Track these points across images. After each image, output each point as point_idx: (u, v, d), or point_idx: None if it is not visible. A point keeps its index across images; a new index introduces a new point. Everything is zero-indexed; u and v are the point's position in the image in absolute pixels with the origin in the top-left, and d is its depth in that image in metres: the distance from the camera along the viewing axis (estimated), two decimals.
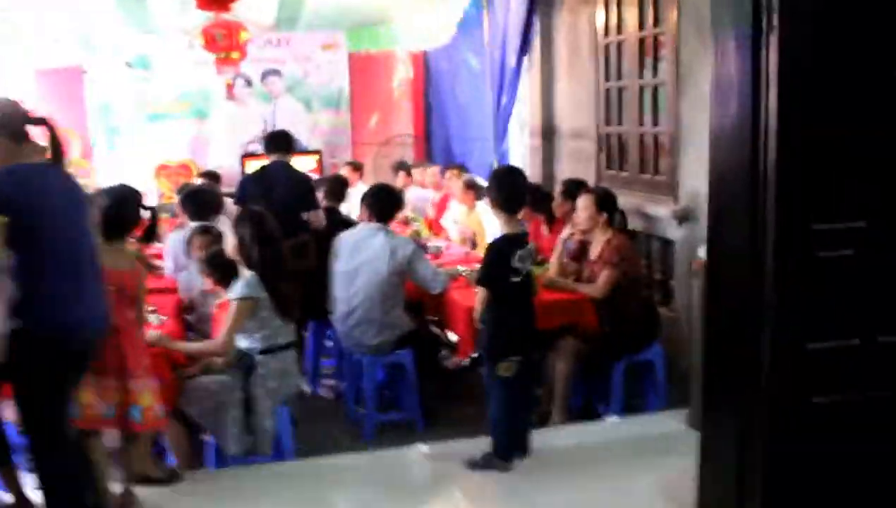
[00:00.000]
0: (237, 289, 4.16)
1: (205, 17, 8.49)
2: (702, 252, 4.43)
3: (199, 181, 8.73)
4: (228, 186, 9.90)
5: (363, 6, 10.22)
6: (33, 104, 10.61)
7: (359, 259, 5.23)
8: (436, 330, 5.99)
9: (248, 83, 11.36)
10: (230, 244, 4.36)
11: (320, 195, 6.56)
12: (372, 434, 5.15)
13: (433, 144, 11.47)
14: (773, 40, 2.34)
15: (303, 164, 10.42)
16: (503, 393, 4.03)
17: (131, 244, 4.20)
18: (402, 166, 10.16)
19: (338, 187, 6.60)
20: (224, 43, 8.40)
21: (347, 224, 5.89)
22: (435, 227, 8.30)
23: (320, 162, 11.07)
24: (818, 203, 2.40)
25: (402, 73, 11.79)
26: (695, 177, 5.55)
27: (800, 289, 2.43)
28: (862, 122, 2.40)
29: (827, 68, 2.36)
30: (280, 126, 10.68)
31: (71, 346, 3.33)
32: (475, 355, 4.68)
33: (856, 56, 2.37)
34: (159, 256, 6.50)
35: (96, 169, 11.00)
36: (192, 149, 11.28)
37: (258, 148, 11.06)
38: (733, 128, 2.54)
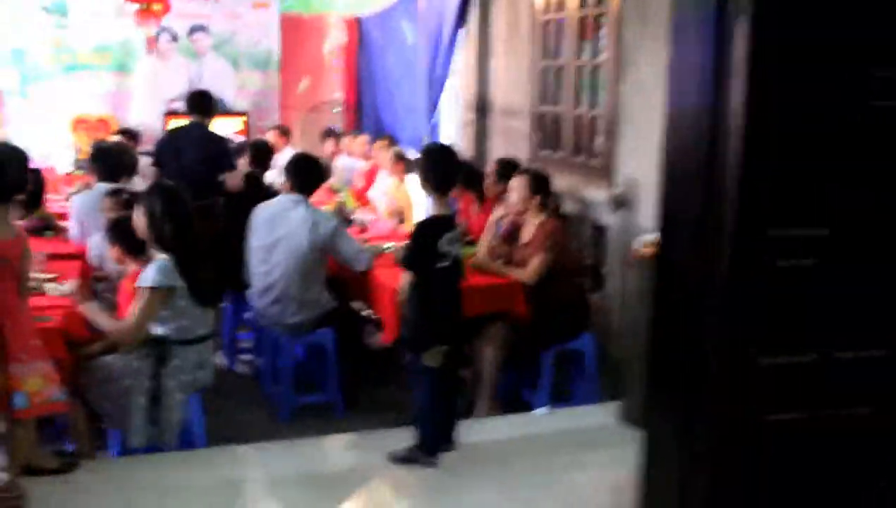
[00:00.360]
0: (149, 276, 3.81)
1: None
2: (639, 242, 4.32)
3: (115, 138, 8.31)
4: (149, 145, 9.55)
5: None
6: None
7: (277, 233, 4.98)
8: (360, 307, 5.75)
9: (174, 38, 10.87)
10: (139, 220, 4.00)
11: (244, 160, 6.23)
12: (289, 416, 4.93)
13: (364, 113, 11.16)
14: (742, 25, 2.15)
15: (228, 126, 10.12)
16: (429, 384, 3.82)
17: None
18: (331, 133, 9.88)
19: (262, 153, 6.28)
20: None
21: (269, 193, 5.59)
22: (362, 199, 8.04)
23: (247, 123, 10.70)
24: (780, 207, 2.24)
25: (335, 39, 11.44)
26: (632, 162, 5.42)
27: (753, 298, 2.27)
28: (835, 121, 2.24)
29: (801, 58, 2.18)
30: (206, 84, 10.31)
31: None
32: (399, 340, 4.45)
33: (834, 47, 2.20)
34: (66, 217, 6.14)
35: (8, 118, 10.48)
36: (113, 104, 10.78)
37: (182, 106, 10.67)
38: (691, 119, 2.36)
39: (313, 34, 11.37)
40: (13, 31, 10.35)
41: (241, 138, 10.03)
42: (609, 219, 5.65)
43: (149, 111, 10.70)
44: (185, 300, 3.87)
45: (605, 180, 5.77)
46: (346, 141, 9.45)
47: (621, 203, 5.48)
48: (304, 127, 10.79)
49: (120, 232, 4.40)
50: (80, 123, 10.55)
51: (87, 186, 6.12)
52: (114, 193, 5.19)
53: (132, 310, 3.87)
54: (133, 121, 10.58)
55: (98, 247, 5.26)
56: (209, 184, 6.39)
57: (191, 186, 6.29)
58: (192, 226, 3.99)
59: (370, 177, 8.43)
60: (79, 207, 5.65)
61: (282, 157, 7.73)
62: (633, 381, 4.11)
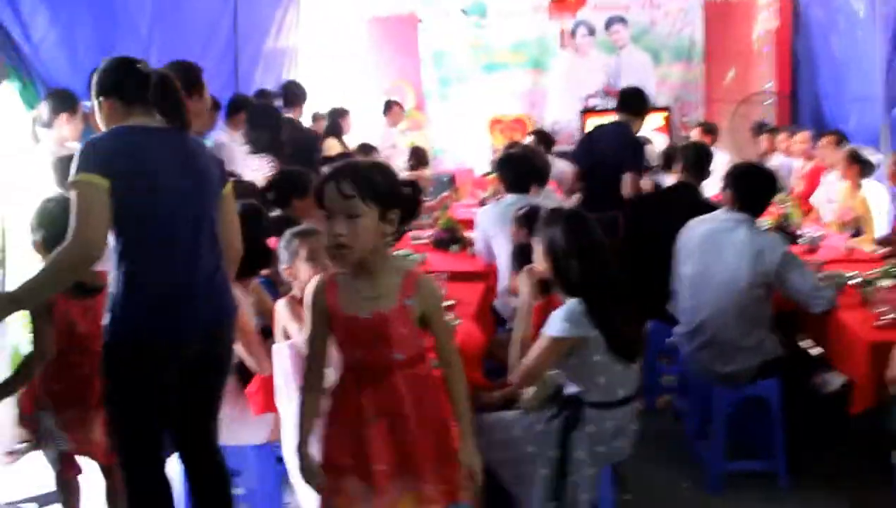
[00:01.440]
0: (555, 323, 3.11)
1: None
2: None
3: (528, 140, 7.85)
4: (566, 145, 9.10)
5: None
6: (365, 52, 10.41)
7: (711, 260, 4.03)
8: (809, 346, 4.59)
9: (591, 32, 10.34)
10: (539, 255, 3.31)
11: (678, 166, 5.32)
12: (719, 486, 4.01)
13: (800, 104, 9.75)
14: None
15: (647, 123, 9.30)
16: None
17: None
18: (764, 128, 8.75)
19: (699, 158, 5.20)
20: None
21: (707, 208, 4.64)
22: (803, 205, 6.84)
23: (668, 120, 9.86)
24: None
25: (765, 21, 10.15)
26: None
27: None
28: None
29: None
30: (624, 79, 9.73)
31: (163, 352, 2.74)
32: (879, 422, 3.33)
33: None
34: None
35: (430, 120, 10.60)
36: (529, 103, 10.56)
37: (599, 103, 10.12)
38: None
39: (740, 18, 10.21)
40: (434, 34, 10.43)
41: (662, 136, 9.23)
42: None
43: (565, 109, 10.29)
44: (601, 354, 3.11)
45: None
46: (781, 137, 8.25)
47: None
48: (732, 121, 9.70)
49: (525, 259, 3.75)
50: (496, 124, 10.42)
51: (496, 196, 5.62)
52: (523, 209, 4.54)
53: (529, 355, 3.20)
54: (549, 119, 10.27)
55: (505, 271, 4.71)
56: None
57: (604, 194, 5.86)
58: (607, 263, 3.22)
59: (812, 179, 7.22)
60: (484, 221, 5.09)
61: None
62: None
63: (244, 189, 4.60)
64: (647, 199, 5.54)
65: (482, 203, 7.21)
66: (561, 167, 6.93)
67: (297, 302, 3.16)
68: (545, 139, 7.75)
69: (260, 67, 8.06)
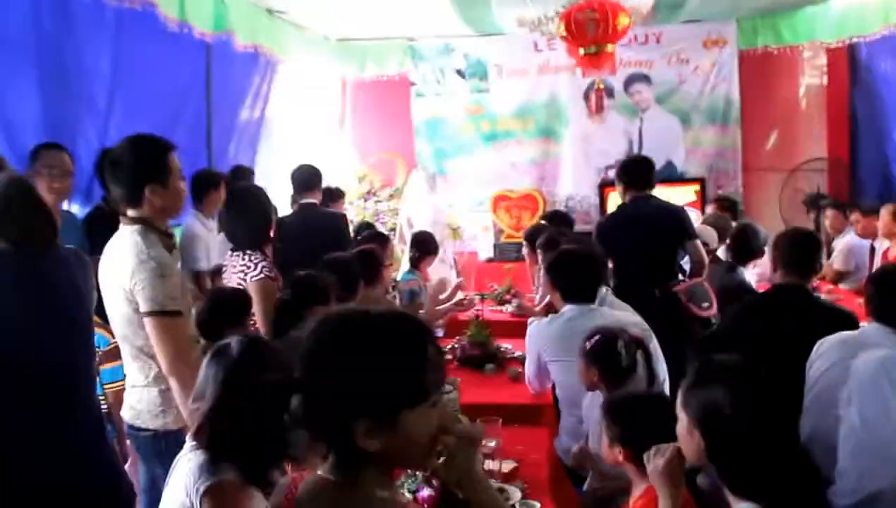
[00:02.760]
0: None
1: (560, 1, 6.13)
2: None
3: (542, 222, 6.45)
4: (583, 224, 7.80)
5: None
6: (349, 120, 9.02)
7: (889, 403, 2.68)
8: None
9: (609, 92, 8.91)
10: (682, 422, 1.89)
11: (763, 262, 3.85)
12: None
13: (861, 173, 8.24)
14: None
15: (677, 196, 7.89)
16: None
17: None
18: (822, 201, 7.39)
19: (806, 253, 3.64)
20: (595, 33, 5.88)
21: (843, 321, 3.23)
22: None
23: (701, 193, 8.40)
24: None
25: (815, 76, 8.72)
26: None
27: None
28: None
29: None
30: (648, 147, 8.43)
31: None
32: None
33: None
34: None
35: (423, 196, 9.13)
36: (539, 176, 9.16)
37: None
38: None
39: (783, 72, 8.70)
40: (427, 99, 9.05)
41: (694, 212, 7.78)
42: None
43: (581, 183, 8.92)
44: None
45: None
46: (854, 215, 6.80)
47: None
48: (779, 194, 8.26)
49: (624, 417, 2.55)
50: (501, 200, 8.98)
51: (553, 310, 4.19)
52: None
53: None
54: (562, 194, 8.94)
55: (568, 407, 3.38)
56: (670, 266, 5.17)
57: (656, 275, 5.14)
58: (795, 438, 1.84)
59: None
60: (539, 342, 3.86)
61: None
62: None
63: (228, 302, 3.43)
64: (748, 306, 3.93)
65: (501, 301, 6.11)
66: None
67: None
68: (564, 222, 6.29)
69: (234, 140, 6.83)
